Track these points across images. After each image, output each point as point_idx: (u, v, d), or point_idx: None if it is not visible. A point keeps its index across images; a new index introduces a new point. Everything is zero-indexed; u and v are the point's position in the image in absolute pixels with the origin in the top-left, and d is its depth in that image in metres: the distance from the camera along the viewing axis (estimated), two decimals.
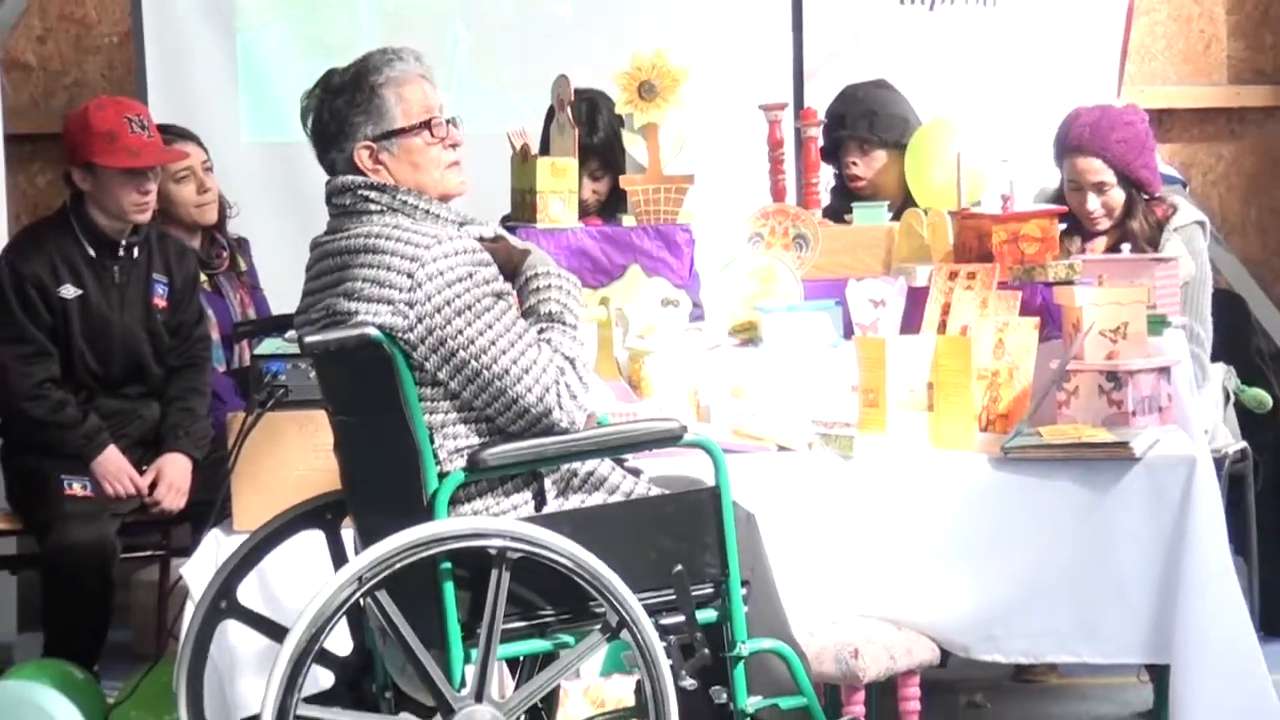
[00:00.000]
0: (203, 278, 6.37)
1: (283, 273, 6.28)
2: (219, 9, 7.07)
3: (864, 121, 6.38)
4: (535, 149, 5.87)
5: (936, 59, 6.96)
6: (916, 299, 5.56)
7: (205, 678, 4.63)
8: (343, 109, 4.40)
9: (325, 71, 4.51)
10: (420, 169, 4.40)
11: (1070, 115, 6.11)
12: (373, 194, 4.36)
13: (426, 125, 4.39)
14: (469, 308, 4.24)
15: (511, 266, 4.44)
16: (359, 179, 4.38)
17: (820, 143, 6.29)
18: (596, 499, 4.35)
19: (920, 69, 6.80)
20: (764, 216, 5.85)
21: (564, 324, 4.39)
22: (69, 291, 5.94)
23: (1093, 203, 6.02)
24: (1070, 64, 6.98)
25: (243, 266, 6.69)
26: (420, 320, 4.21)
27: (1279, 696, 5.01)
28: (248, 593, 4.66)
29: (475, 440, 4.26)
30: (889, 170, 6.36)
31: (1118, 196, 6.02)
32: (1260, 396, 6.35)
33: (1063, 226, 5.79)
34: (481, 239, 4.43)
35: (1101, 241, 6.02)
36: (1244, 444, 6.18)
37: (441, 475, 4.20)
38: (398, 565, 4.07)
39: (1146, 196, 6.04)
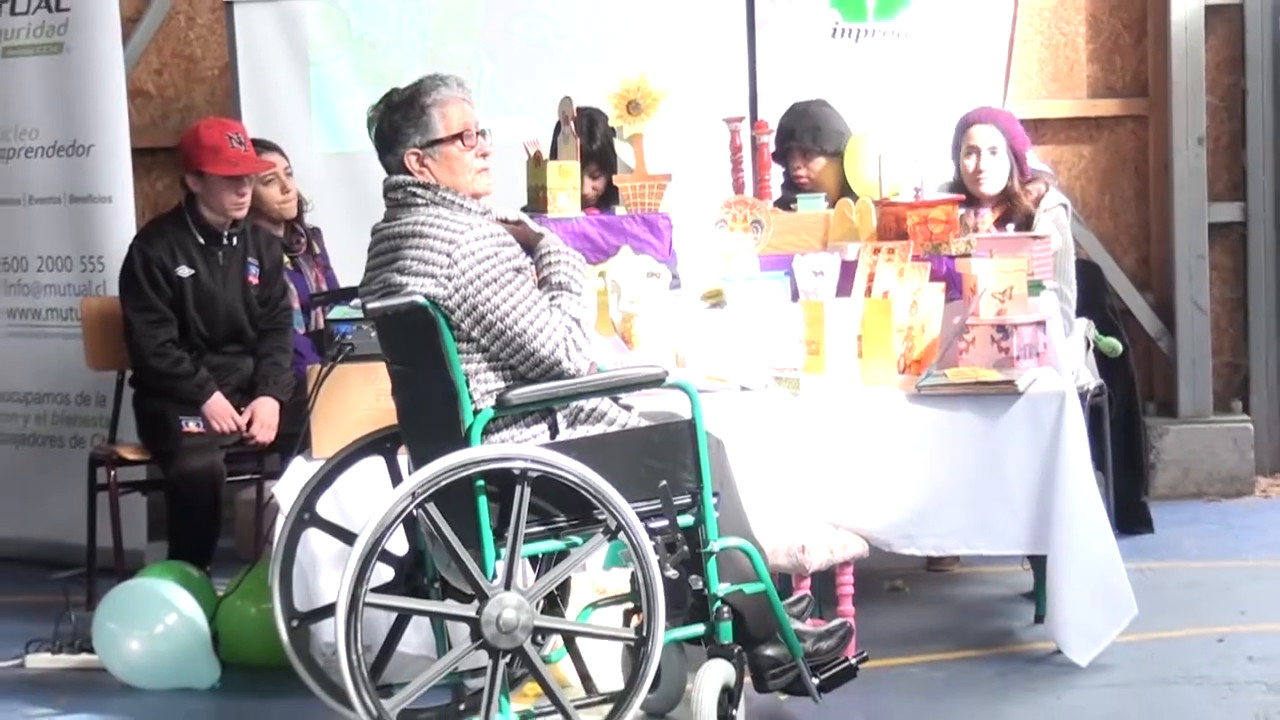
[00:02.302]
0: (285, 259, 6.35)
1: (347, 254, 6.28)
2: (296, 48, 7.03)
3: (809, 135, 6.31)
4: (546, 155, 5.83)
5: (861, 79, 6.92)
6: (848, 270, 5.51)
7: (293, 574, 4.63)
8: (399, 122, 4.40)
9: (387, 90, 4.52)
10: (455, 172, 4.39)
11: (966, 113, 6.10)
12: (419, 190, 4.35)
13: (459, 137, 4.37)
14: (495, 280, 4.23)
15: (529, 243, 4.44)
16: (408, 178, 4.38)
17: (772, 148, 6.25)
18: (598, 429, 4.34)
19: (849, 87, 6.75)
20: (727, 206, 5.81)
21: (570, 291, 4.40)
22: (184, 271, 5.94)
23: (986, 161, 5.91)
24: (965, 82, 6.94)
25: (317, 250, 6.67)
26: (457, 290, 4.20)
27: (1129, 579, 5.00)
28: (325, 506, 4.66)
29: (501, 384, 4.25)
30: (827, 172, 6.29)
31: (1003, 162, 5.92)
32: (1113, 344, 6.32)
33: (962, 211, 5.74)
34: (506, 221, 4.45)
35: (988, 215, 5.95)
36: (1101, 381, 6.14)
37: (475, 412, 4.20)
38: (442, 483, 4.07)
39: (1022, 177, 5.97)
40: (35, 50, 6.70)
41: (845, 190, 6.09)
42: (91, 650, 5.17)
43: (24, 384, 6.84)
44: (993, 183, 5.94)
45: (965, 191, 5.94)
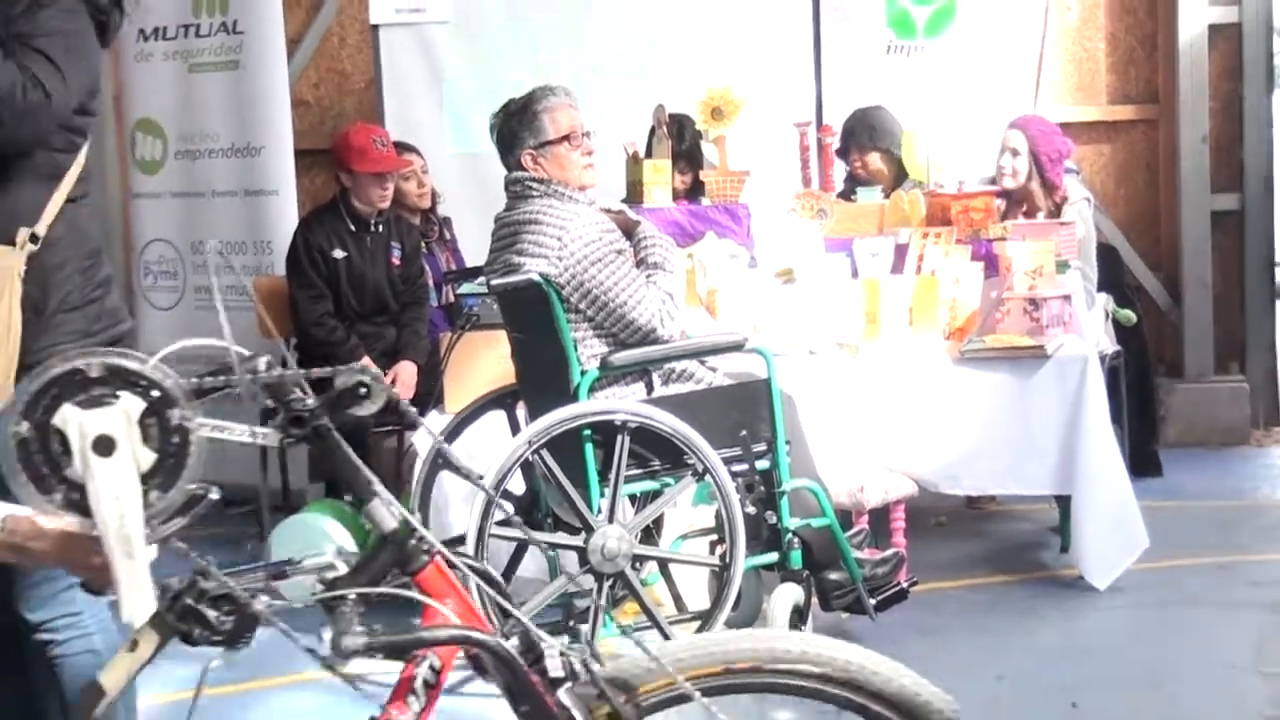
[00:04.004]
0: (422, 243, 6.33)
1: (474, 239, 6.24)
2: (430, 63, 7.04)
3: (866, 133, 6.25)
4: (642, 154, 5.78)
5: (912, 88, 6.86)
6: (901, 252, 5.45)
7: (429, 510, 4.63)
8: (515, 127, 4.37)
9: (505, 101, 4.49)
10: (564, 168, 4.36)
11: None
12: (534, 184, 4.32)
13: (567, 138, 4.33)
14: (599, 260, 4.20)
15: (628, 229, 4.40)
16: (525, 174, 4.35)
17: (835, 148, 6.18)
18: (687, 387, 4.31)
19: (901, 95, 6.69)
20: (797, 197, 5.76)
21: (664, 270, 4.38)
22: (338, 254, 5.94)
23: (1006, 161, 5.79)
24: (1001, 91, 6.88)
25: (448, 236, 6.67)
26: (567, 269, 4.18)
27: (1141, 515, 4.93)
28: (456, 453, 4.63)
29: (605, 349, 4.22)
30: (882, 166, 6.23)
31: (1023, 164, 5.78)
32: (1128, 315, 6.22)
33: (999, 202, 5.67)
34: (608, 210, 4.41)
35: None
36: (1118, 347, 6.05)
37: (583, 373, 4.18)
38: (555, 433, 4.05)
39: (1045, 179, 5.83)
40: (216, 67, 6.73)
41: (897, 180, 6.05)
42: None
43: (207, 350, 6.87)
44: (1010, 179, 5.81)
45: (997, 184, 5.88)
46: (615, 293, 4.20)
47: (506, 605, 2.08)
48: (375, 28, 7.08)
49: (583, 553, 4.04)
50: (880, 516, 4.88)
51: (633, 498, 4.41)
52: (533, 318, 4.27)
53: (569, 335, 4.18)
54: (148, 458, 1.87)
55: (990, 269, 5.30)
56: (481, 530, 4.01)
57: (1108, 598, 4.83)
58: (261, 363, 2.01)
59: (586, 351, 4.21)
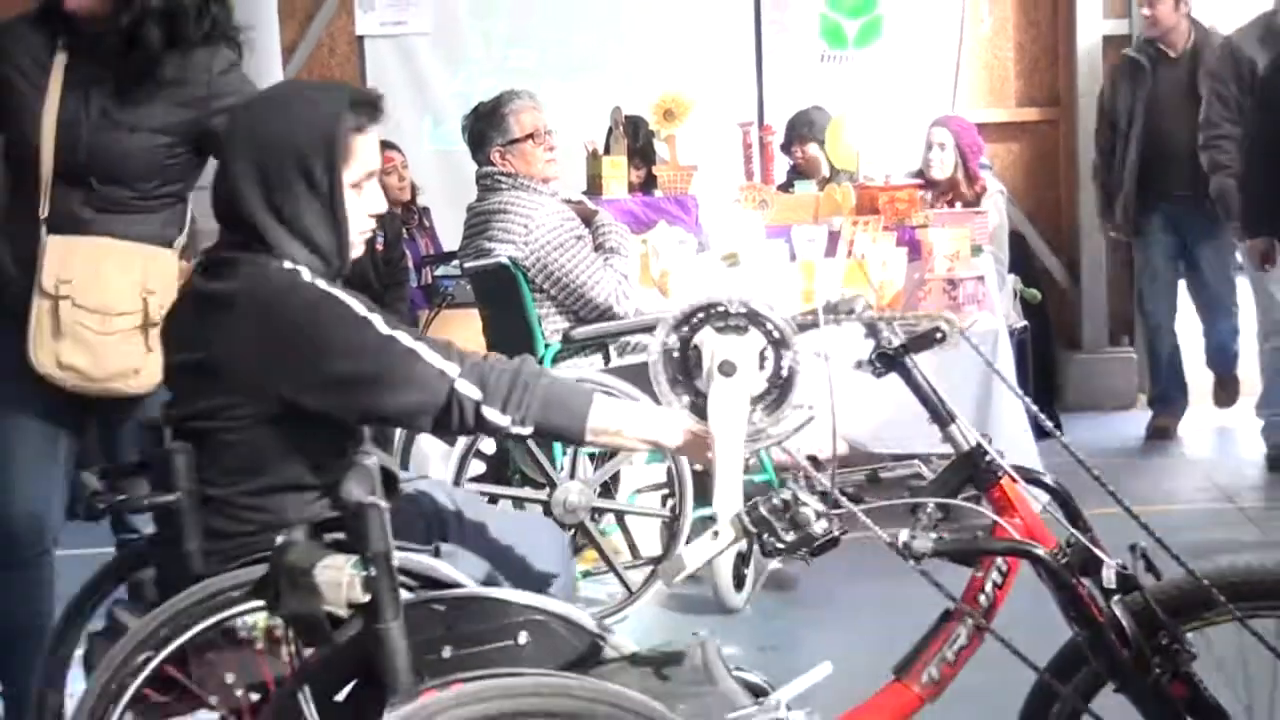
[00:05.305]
0: (403, 231, 6.28)
1: (450, 227, 6.18)
2: (411, 70, 7.05)
3: (805, 126, 6.34)
4: (600, 151, 5.73)
5: (844, 93, 6.89)
6: (834, 238, 5.40)
7: (410, 467, 4.56)
8: (484, 127, 4.33)
9: (476, 104, 4.43)
10: (529, 164, 4.32)
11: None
12: (502, 178, 4.29)
13: (531, 136, 4.29)
14: (561, 245, 4.16)
15: (587, 218, 4.36)
16: (494, 169, 4.31)
17: (775, 146, 6.19)
18: (641, 358, 4.24)
19: (834, 97, 6.70)
20: (741, 189, 5.72)
21: (620, 254, 4.35)
22: None
23: (935, 154, 5.84)
24: (923, 95, 6.93)
25: (426, 224, 6.63)
26: (532, 253, 4.14)
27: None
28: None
29: (566, 324, 4.19)
30: (817, 155, 6.26)
31: (950, 156, 5.82)
32: (1034, 294, 6.21)
33: (923, 194, 5.67)
34: (569, 200, 4.37)
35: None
36: (1025, 323, 6.03)
37: (546, 345, 4.14)
38: None
39: (968, 168, 5.84)
40: None
41: (833, 167, 6.05)
42: None
43: None
44: (938, 170, 5.82)
45: (925, 177, 5.86)
46: (576, 274, 4.16)
47: (1065, 525, 2.16)
48: (361, 39, 7.07)
49: (547, 506, 4.00)
50: None
51: (592, 456, 4.36)
52: (502, 297, 4.23)
53: (534, 312, 4.14)
54: (759, 385, 2.08)
55: (913, 253, 5.27)
56: (456, 484, 3.96)
57: None
58: (859, 304, 2.21)
59: (550, 327, 4.18)
